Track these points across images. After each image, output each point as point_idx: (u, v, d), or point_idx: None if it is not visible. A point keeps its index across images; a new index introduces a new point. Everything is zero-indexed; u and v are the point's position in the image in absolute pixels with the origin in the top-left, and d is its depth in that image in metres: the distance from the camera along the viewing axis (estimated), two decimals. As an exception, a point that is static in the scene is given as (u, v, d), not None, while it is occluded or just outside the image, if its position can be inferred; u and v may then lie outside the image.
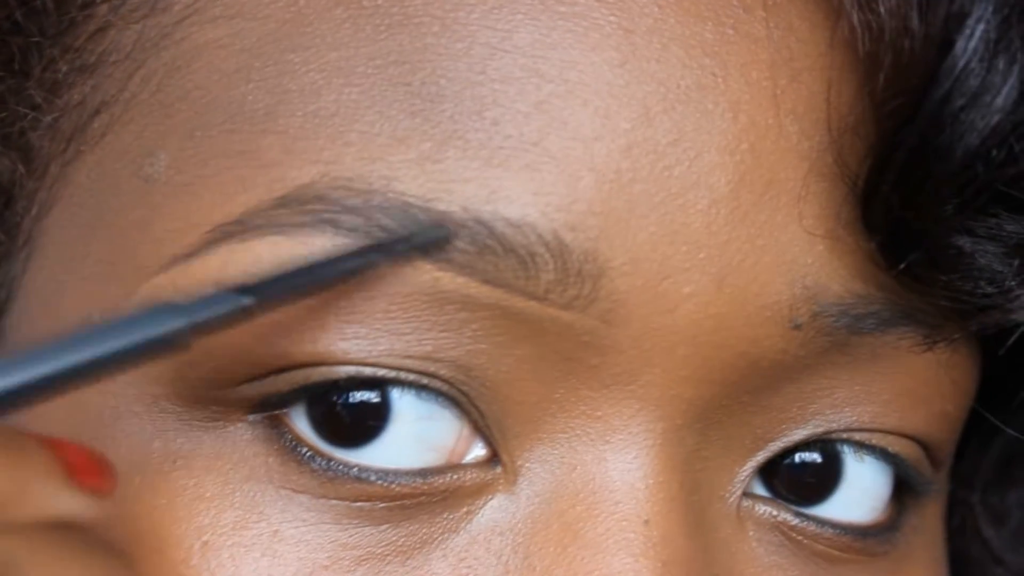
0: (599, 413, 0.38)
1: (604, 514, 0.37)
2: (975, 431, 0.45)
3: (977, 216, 0.37)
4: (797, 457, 0.41)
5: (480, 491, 0.38)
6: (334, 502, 0.37)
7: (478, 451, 0.38)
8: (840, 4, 0.37)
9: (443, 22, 0.37)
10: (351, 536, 0.37)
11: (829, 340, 0.38)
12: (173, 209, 0.38)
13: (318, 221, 0.36)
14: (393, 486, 0.37)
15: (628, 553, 0.37)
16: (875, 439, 0.41)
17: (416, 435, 0.38)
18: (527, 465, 0.38)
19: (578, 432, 0.38)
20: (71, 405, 0.39)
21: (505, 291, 0.36)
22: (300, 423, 0.38)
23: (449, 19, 0.37)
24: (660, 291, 0.37)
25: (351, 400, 0.38)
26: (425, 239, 0.36)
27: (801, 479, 0.41)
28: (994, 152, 0.36)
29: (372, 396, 0.38)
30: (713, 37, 0.37)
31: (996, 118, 0.36)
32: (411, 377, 0.37)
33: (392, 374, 0.37)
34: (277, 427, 0.38)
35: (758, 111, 0.37)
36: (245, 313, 0.34)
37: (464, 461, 0.38)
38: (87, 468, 0.34)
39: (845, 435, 0.40)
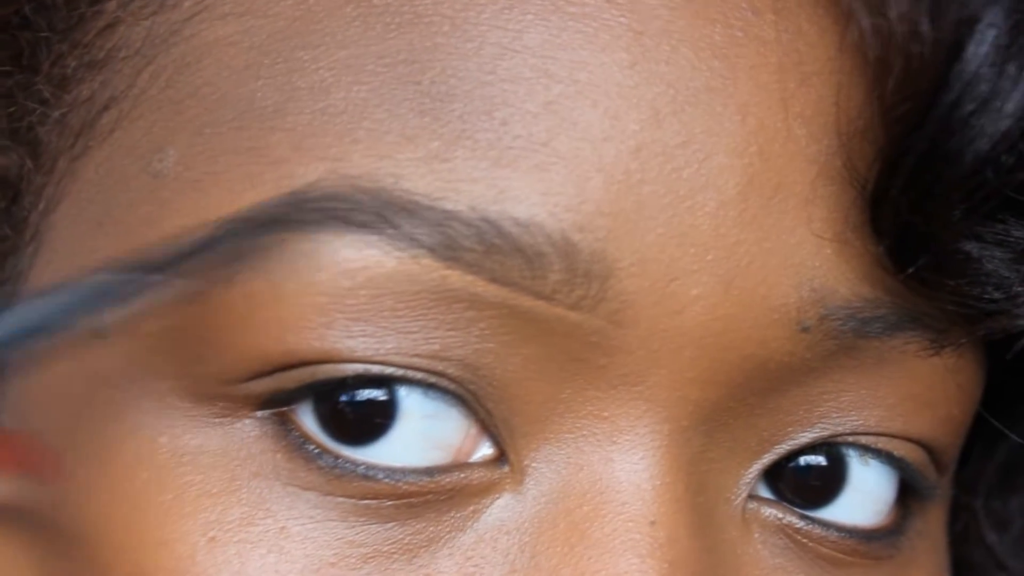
0: (606, 413, 0.38)
1: (610, 514, 0.37)
2: (979, 437, 0.45)
3: (985, 221, 0.37)
4: (802, 460, 0.41)
5: (487, 490, 0.38)
6: (341, 499, 0.37)
7: (485, 450, 0.38)
8: (850, 8, 0.37)
9: (453, 21, 0.37)
10: (358, 534, 0.37)
11: (836, 343, 0.38)
12: (181, 205, 0.38)
13: (326, 218, 0.36)
14: (400, 484, 0.37)
15: (634, 553, 0.37)
16: (880, 443, 0.41)
17: (423, 433, 0.38)
18: (534, 465, 0.38)
19: (585, 432, 0.38)
20: (75, 401, 0.39)
21: (512, 290, 0.36)
22: (307, 420, 0.38)
23: (459, 18, 0.37)
24: (668, 292, 0.37)
25: (358, 398, 0.38)
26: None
27: (806, 482, 0.41)
28: (1004, 157, 0.36)
29: (379, 394, 0.38)
30: (722, 40, 0.37)
31: (1006, 123, 0.36)
32: (418, 376, 0.37)
33: (399, 372, 0.37)
34: (284, 424, 0.38)
35: (767, 114, 0.37)
36: (153, 292, 0.34)
37: (471, 460, 0.38)
38: (13, 451, 0.34)
39: (851, 439, 0.41)
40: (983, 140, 0.36)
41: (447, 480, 0.38)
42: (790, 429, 0.40)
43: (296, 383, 0.37)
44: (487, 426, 0.38)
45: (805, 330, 0.38)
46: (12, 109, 0.41)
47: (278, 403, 0.38)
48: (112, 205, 0.39)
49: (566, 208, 0.36)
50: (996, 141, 0.36)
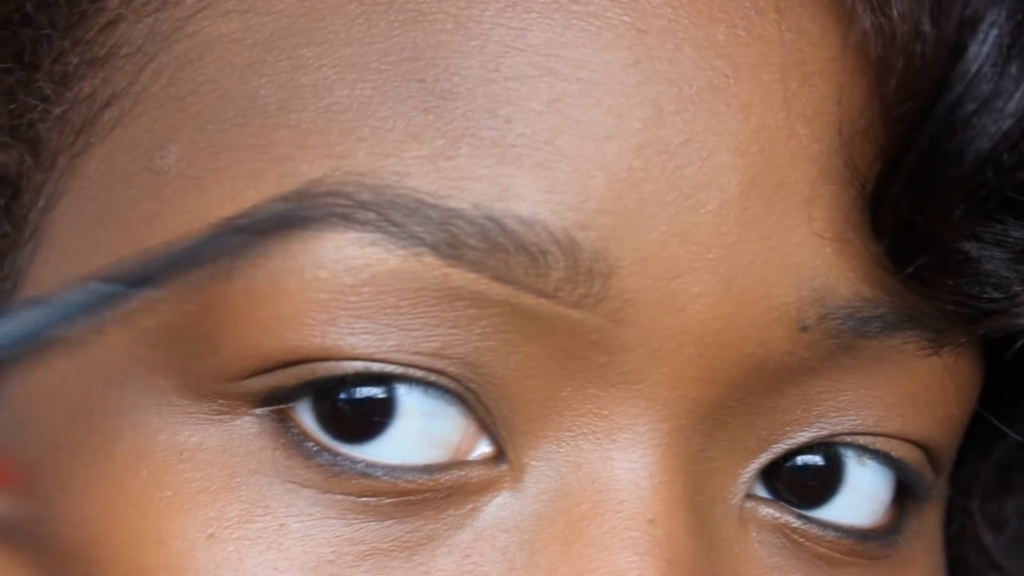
0: (605, 412, 0.38)
1: (609, 512, 0.37)
2: (975, 437, 0.45)
3: (985, 221, 0.38)
4: (799, 460, 0.41)
5: (486, 488, 0.38)
6: (339, 497, 0.37)
7: (484, 448, 0.38)
8: (852, 8, 0.37)
9: (457, 19, 0.37)
10: (356, 531, 0.37)
11: (835, 343, 0.38)
12: (183, 202, 0.38)
13: (329, 215, 0.36)
14: (399, 482, 0.37)
15: (633, 551, 0.37)
16: (878, 443, 0.41)
17: (422, 431, 0.38)
18: (533, 463, 0.38)
19: (584, 431, 0.38)
20: (74, 399, 0.39)
21: (515, 288, 0.36)
22: (306, 417, 0.38)
23: (463, 16, 0.37)
24: (669, 291, 0.37)
25: (357, 395, 0.38)
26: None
27: (803, 482, 0.41)
28: (1004, 157, 0.37)
29: (379, 392, 0.38)
30: (725, 39, 0.37)
31: (1008, 123, 0.36)
32: (418, 373, 0.37)
33: (400, 370, 0.37)
34: (283, 421, 0.38)
35: (769, 113, 0.37)
36: (111, 302, 0.35)
37: (470, 458, 0.38)
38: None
39: (848, 439, 0.41)
40: (984, 140, 0.36)
41: (446, 478, 0.38)
42: (788, 428, 0.40)
43: (296, 380, 0.37)
44: (486, 424, 0.38)
45: (804, 329, 0.38)
46: (13, 106, 0.41)
47: (277, 400, 0.38)
48: (113, 202, 0.39)
49: (569, 206, 0.36)
50: (997, 141, 0.36)
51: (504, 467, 0.38)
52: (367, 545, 0.37)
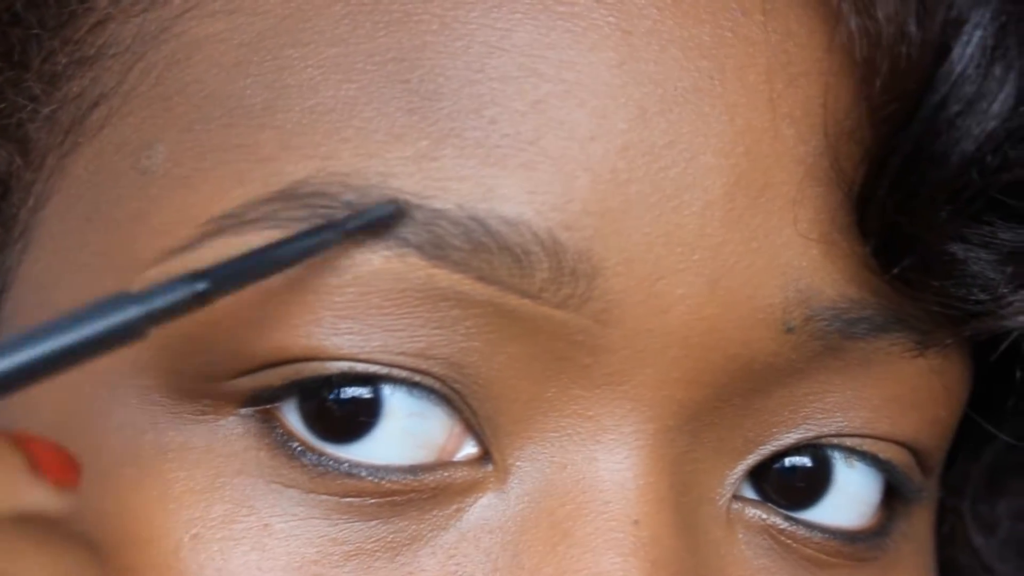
0: (590, 413, 0.38)
1: (594, 513, 0.37)
2: (966, 439, 0.45)
3: (971, 223, 0.38)
4: (787, 461, 0.41)
5: (470, 489, 0.38)
6: (324, 497, 0.37)
7: (469, 449, 0.38)
8: (838, 9, 0.37)
9: (442, 20, 0.37)
10: (340, 531, 0.37)
11: (821, 344, 0.38)
12: (170, 202, 0.38)
13: (314, 216, 0.36)
14: (383, 482, 0.37)
15: (617, 552, 0.37)
16: (866, 445, 0.41)
17: (407, 432, 0.38)
18: (518, 464, 0.38)
19: (569, 431, 0.38)
20: (63, 397, 0.39)
21: (499, 289, 0.36)
22: (291, 418, 0.38)
23: (448, 17, 0.37)
24: (653, 292, 0.37)
25: (343, 396, 0.38)
26: (376, 216, 0.36)
27: (791, 483, 0.41)
28: (989, 159, 0.36)
29: (364, 392, 0.38)
30: (711, 40, 0.37)
31: (992, 124, 0.36)
32: (403, 374, 0.37)
33: (384, 371, 0.37)
34: (268, 421, 0.38)
35: (754, 114, 0.37)
36: (200, 298, 0.34)
37: (455, 459, 0.38)
38: (52, 462, 0.34)
39: (836, 440, 0.41)
40: (968, 141, 0.36)
41: (430, 479, 0.38)
42: (775, 430, 0.40)
43: (281, 380, 0.37)
44: (471, 425, 0.38)
45: (790, 331, 0.38)
46: (2, 106, 0.41)
47: (262, 400, 0.38)
48: (101, 201, 0.39)
49: (553, 207, 0.36)
50: (982, 142, 0.36)
51: (489, 468, 0.38)
52: (351, 545, 0.37)
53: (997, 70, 0.36)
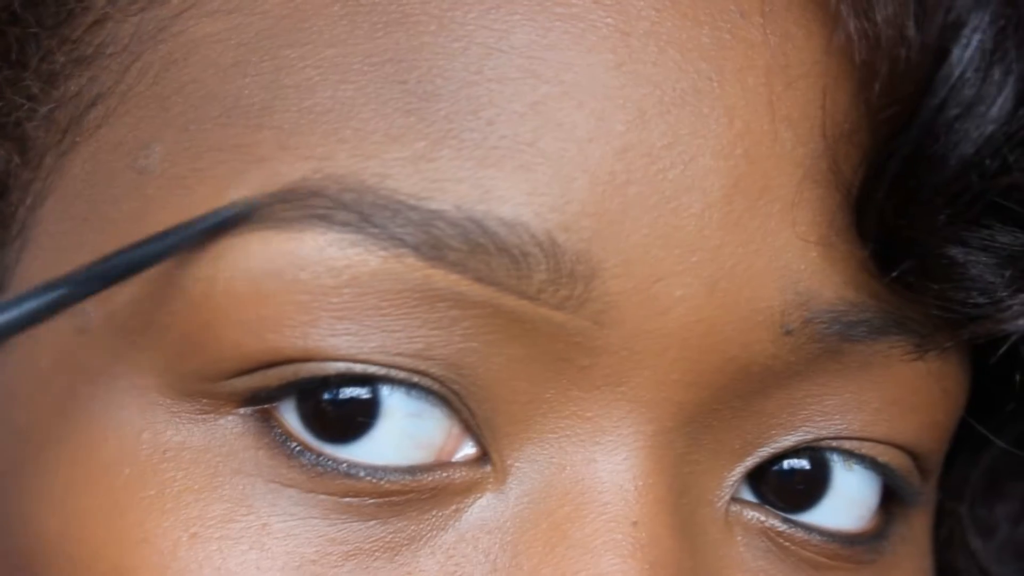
0: (589, 414, 0.38)
1: (592, 515, 0.37)
2: (964, 443, 0.45)
3: (970, 226, 0.38)
4: (786, 464, 0.41)
5: (469, 489, 0.38)
6: (323, 497, 0.37)
7: (468, 450, 0.38)
8: (837, 12, 0.37)
9: (440, 21, 0.37)
10: (339, 531, 0.37)
11: (820, 347, 0.38)
12: (166, 201, 0.38)
13: (310, 216, 0.36)
14: (382, 483, 0.37)
15: (616, 554, 0.37)
16: (864, 448, 0.41)
17: (405, 432, 0.38)
18: (516, 464, 0.38)
19: (568, 433, 0.38)
20: (60, 398, 0.39)
21: (497, 290, 0.36)
22: (290, 417, 0.38)
23: (446, 18, 0.37)
24: (652, 294, 0.37)
25: (341, 396, 0.38)
26: (226, 216, 0.36)
27: (789, 486, 0.41)
28: (988, 162, 0.36)
29: (362, 392, 0.38)
30: (710, 42, 0.37)
31: (991, 128, 0.36)
32: (401, 375, 0.37)
33: (382, 371, 0.37)
34: (267, 421, 0.38)
35: (753, 116, 0.37)
36: (58, 304, 0.35)
37: (453, 459, 0.38)
38: None
39: (834, 443, 0.40)
40: (967, 144, 0.36)
41: (429, 479, 0.38)
42: (773, 432, 0.40)
43: (279, 381, 0.37)
44: (470, 426, 0.38)
45: (789, 333, 0.38)
46: (0, 105, 0.41)
47: (261, 400, 0.38)
48: (98, 201, 0.39)
49: (551, 208, 0.36)
50: (980, 145, 0.36)
51: (487, 468, 0.38)
52: (350, 545, 0.37)
53: (996, 73, 0.36)
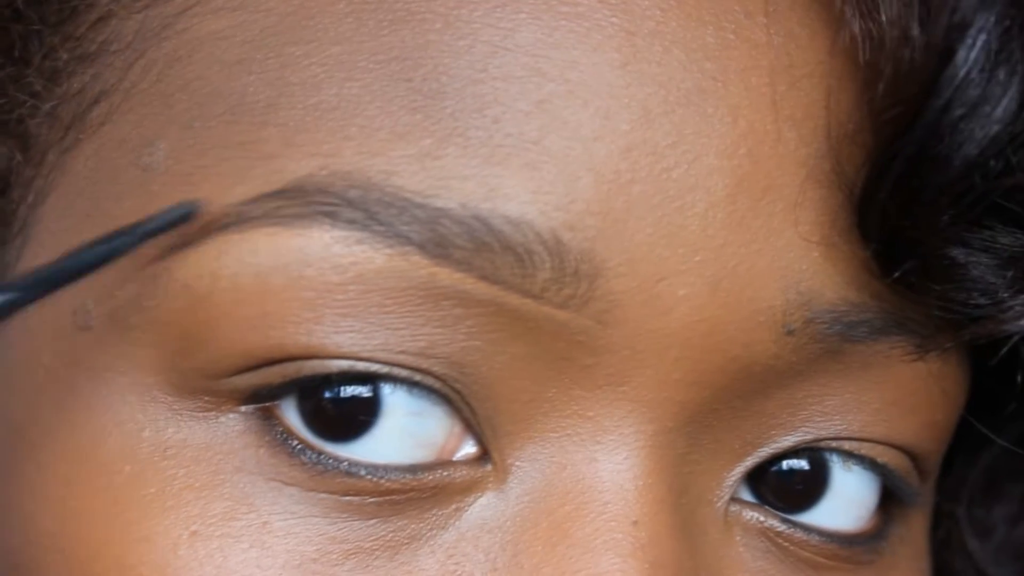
0: (591, 413, 0.38)
1: (593, 514, 0.37)
2: (962, 444, 0.45)
3: (972, 227, 0.38)
4: (785, 464, 0.41)
5: (470, 488, 0.38)
6: (323, 495, 0.37)
7: (469, 448, 0.38)
8: (841, 12, 0.37)
9: (446, 19, 0.37)
10: (340, 530, 0.37)
11: (821, 347, 0.38)
12: (171, 198, 0.38)
13: (316, 213, 0.36)
14: (382, 481, 0.37)
15: (616, 553, 0.37)
16: (863, 449, 0.41)
17: (407, 431, 0.38)
18: (517, 463, 0.38)
19: (569, 432, 0.38)
20: (61, 395, 0.39)
21: (501, 288, 0.36)
22: (291, 416, 0.38)
23: (452, 16, 0.37)
24: (655, 293, 0.37)
25: (342, 394, 0.38)
26: (169, 219, 0.36)
27: (789, 486, 0.41)
28: (992, 163, 0.37)
29: (364, 391, 0.38)
30: (714, 41, 0.37)
31: (995, 129, 0.36)
32: (403, 373, 0.37)
33: (385, 369, 0.37)
34: (268, 419, 0.38)
35: (757, 116, 0.37)
36: (3, 310, 0.35)
37: (454, 458, 0.38)
38: None
39: (834, 444, 0.41)
40: (971, 145, 0.36)
41: (430, 478, 0.38)
42: (774, 432, 0.40)
43: (281, 378, 0.37)
44: (471, 424, 0.38)
45: (790, 333, 0.38)
46: (3, 101, 0.41)
47: (262, 398, 0.38)
48: (101, 198, 0.39)
49: (556, 207, 0.36)
50: (984, 146, 0.36)
51: (488, 467, 0.38)
52: (350, 544, 0.37)
53: (1001, 74, 0.36)
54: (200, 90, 0.38)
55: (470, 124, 0.36)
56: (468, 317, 0.37)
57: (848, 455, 0.41)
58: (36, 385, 0.40)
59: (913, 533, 0.44)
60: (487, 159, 0.36)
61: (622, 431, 0.38)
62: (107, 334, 0.38)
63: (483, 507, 0.38)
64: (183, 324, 0.37)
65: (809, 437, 0.40)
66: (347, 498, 0.37)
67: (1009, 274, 0.38)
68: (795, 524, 0.41)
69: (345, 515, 0.37)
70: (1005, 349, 0.40)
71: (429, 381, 0.37)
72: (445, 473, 0.38)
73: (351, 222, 0.36)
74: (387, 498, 0.37)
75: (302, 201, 0.36)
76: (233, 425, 0.38)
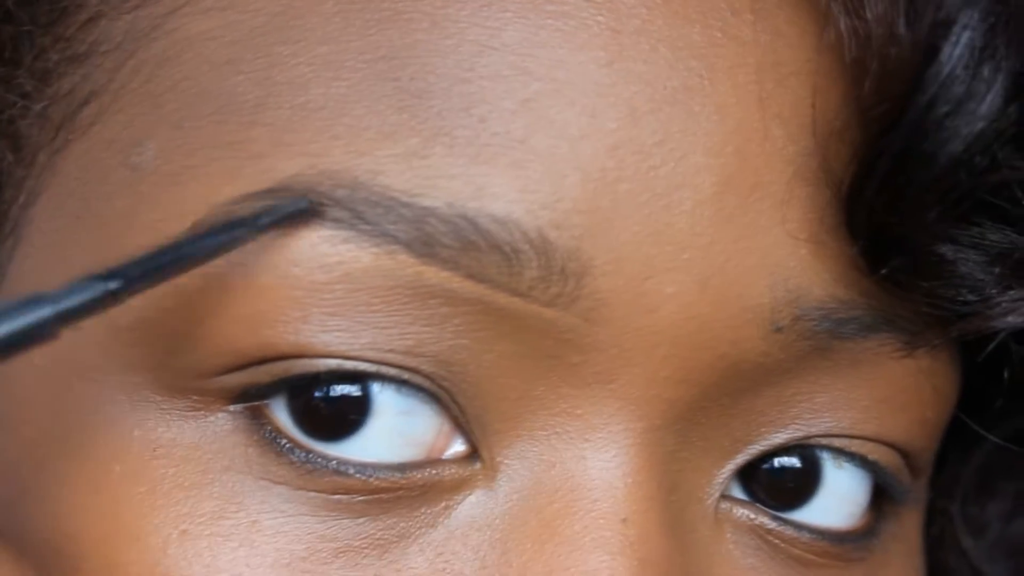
0: (579, 411, 0.38)
1: (582, 512, 0.37)
2: (955, 441, 0.45)
3: (960, 224, 0.38)
4: (776, 462, 0.41)
5: (459, 486, 0.38)
6: (312, 494, 0.37)
7: (458, 447, 0.38)
8: (828, 10, 0.37)
9: (432, 19, 0.37)
10: (329, 528, 0.37)
11: (810, 344, 0.38)
12: (160, 198, 0.38)
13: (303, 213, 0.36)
14: (372, 480, 0.37)
15: (605, 551, 0.37)
16: (854, 446, 0.41)
17: (396, 429, 0.38)
18: (506, 462, 0.38)
19: (558, 430, 0.38)
20: (51, 396, 0.39)
21: (488, 287, 0.37)
22: (280, 415, 0.38)
23: (438, 16, 0.37)
24: (642, 291, 0.37)
25: (332, 393, 0.38)
26: (288, 212, 0.36)
27: (780, 484, 0.41)
28: (977, 159, 0.37)
29: (353, 390, 0.38)
30: (701, 39, 0.37)
31: (980, 125, 0.36)
32: (392, 372, 0.37)
33: (373, 368, 0.37)
34: (257, 418, 0.38)
35: (744, 114, 0.37)
36: (113, 297, 0.34)
37: (444, 456, 0.38)
38: None
39: (824, 441, 0.41)
40: (957, 142, 0.36)
41: (419, 476, 0.38)
42: (763, 430, 0.40)
43: (270, 377, 0.37)
44: (460, 423, 0.38)
45: (779, 330, 0.38)
46: None
47: (251, 397, 0.38)
48: (91, 198, 0.39)
49: (543, 205, 0.36)
50: (970, 143, 0.36)
51: (477, 466, 0.38)
52: (340, 542, 0.37)
53: (986, 71, 0.36)
54: (189, 90, 0.38)
55: (457, 123, 0.36)
56: (455, 316, 0.37)
57: (839, 452, 0.41)
58: (30, 385, 0.40)
59: (906, 530, 0.44)
60: (474, 158, 0.36)
61: (611, 429, 0.38)
62: (97, 334, 0.38)
63: (472, 505, 0.38)
64: (172, 323, 0.37)
65: (799, 434, 0.40)
66: (336, 497, 0.37)
67: (997, 270, 0.38)
68: (786, 521, 0.41)
69: (334, 514, 0.37)
70: (993, 345, 0.40)
71: (418, 380, 0.38)
72: (434, 471, 0.38)
73: (338, 221, 0.36)
74: (376, 496, 0.38)
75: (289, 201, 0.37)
76: (222, 424, 0.38)
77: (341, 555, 0.37)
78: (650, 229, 0.37)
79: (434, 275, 0.36)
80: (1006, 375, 0.41)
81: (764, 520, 0.40)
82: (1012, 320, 0.38)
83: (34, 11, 0.40)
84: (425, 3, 0.37)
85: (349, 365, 0.37)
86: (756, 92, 0.37)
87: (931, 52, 0.36)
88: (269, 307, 0.37)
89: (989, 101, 0.36)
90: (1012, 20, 0.37)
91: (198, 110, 0.38)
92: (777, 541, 0.40)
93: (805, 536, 0.41)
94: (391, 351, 0.37)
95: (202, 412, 0.38)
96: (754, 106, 0.37)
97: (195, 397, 0.38)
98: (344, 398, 0.38)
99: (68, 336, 0.39)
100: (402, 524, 0.38)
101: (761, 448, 0.40)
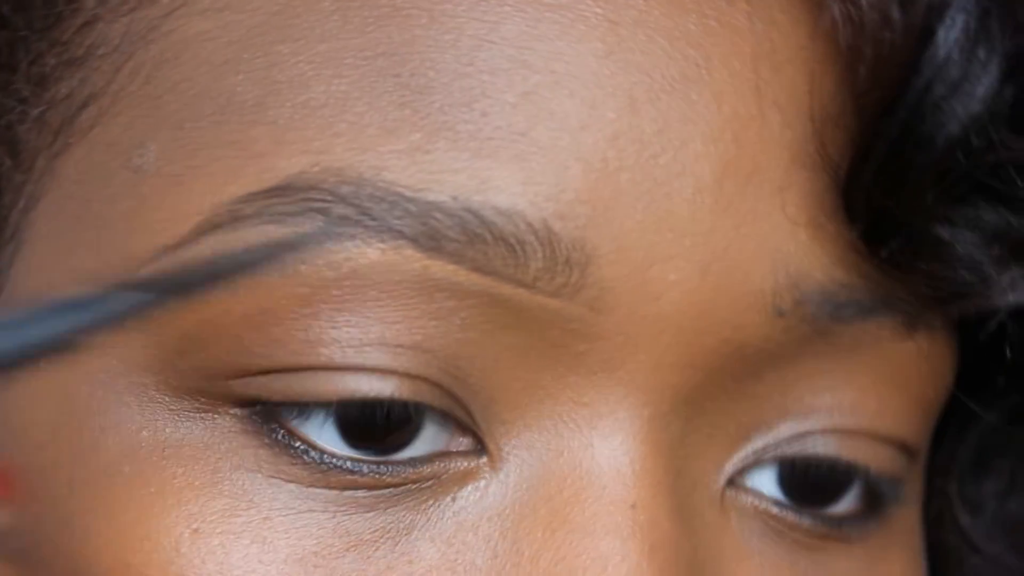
0: (585, 399, 0.38)
1: (591, 498, 0.38)
2: (952, 421, 0.45)
3: (957, 205, 0.38)
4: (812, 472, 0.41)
5: (468, 478, 0.38)
6: (323, 491, 0.38)
7: (465, 438, 0.39)
8: None
9: (431, 14, 0.37)
10: (340, 523, 0.38)
11: (811, 327, 0.39)
12: (163, 200, 0.38)
13: (308, 210, 0.37)
14: (382, 476, 0.38)
15: (615, 537, 0.37)
16: (856, 452, 0.41)
17: (405, 424, 0.38)
18: (514, 452, 0.38)
19: (565, 419, 0.38)
20: (59, 397, 0.39)
21: (494, 279, 0.37)
22: (294, 421, 0.38)
23: (437, 11, 0.37)
24: (646, 279, 0.37)
25: (346, 408, 0.38)
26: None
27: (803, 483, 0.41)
28: (974, 141, 0.37)
29: (367, 396, 0.38)
30: (697, 29, 0.38)
31: (976, 107, 0.37)
32: (402, 368, 0.37)
33: (383, 364, 0.37)
34: (268, 421, 0.38)
35: (741, 102, 0.38)
36: (144, 309, 0.34)
37: (451, 449, 0.38)
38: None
39: (822, 450, 0.41)
40: (954, 124, 0.37)
41: (428, 470, 0.38)
42: (767, 415, 0.40)
43: (282, 397, 0.37)
44: (468, 414, 0.38)
45: (780, 314, 0.38)
46: None
47: (261, 403, 0.38)
48: (92, 201, 0.39)
49: (546, 197, 0.37)
50: (966, 125, 0.37)
51: (485, 457, 0.38)
52: (351, 536, 0.38)
53: (981, 53, 0.37)
54: (189, 91, 0.38)
55: (458, 118, 0.37)
56: (462, 309, 0.37)
57: (840, 444, 0.41)
58: (36, 387, 0.40)
59: (905, 511, 0.44)
60: (477, 152, 0.37)
61: (617, 416, 0.38)
62: (104, 336, 0.38)
63: (482, 496, 0.38)
64: (180, 324, 0.38)
65: (800, 429, 0.40)
66: (347, 492, 0.38)
67: (994, 250, 0.38)
68: (789, 507, 0.41)
69: (345, 509, 0.38)
70: (992, 324, 0.40)
71: (426, 373, 0.38)
72: (443, 464, 0.38)
73: (343, 218, 0.37)
74: (386, 491, 0.38)
75: (294, 198, 0.37)
76: (232, 424, 0.38)
77: (353, 549, 0.38)
78: (652, 217, 0.37)
79: (440, 269, 0.37)
80: (1007, 354, 0.42)
81: (768, 506, 0.41)
82: (1010, 299, 0.39)
83: (30, 16, 0.41)
84: None
85: (365, 386, 0.37)
86: (752, 80, 0.38)
87: (926, 36, 0.36)
88: (277, 305, 0.37)
89: (985, 83, 0.37)
90: (1005, 2, 0.37)
91: (199, 110, 0.38)
92: (781, 526, 0.41)
93: (807, 521, 0.41)
94: (400, 346, 0.37)
95: (212, 412, 0.38)
96: (751, 93, 0.38)
97: (204, 397, 0.38)
98: (359, 405, 0.38)
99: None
100: (411, 516, 0.38)
101: (764, 441, 0.40)
